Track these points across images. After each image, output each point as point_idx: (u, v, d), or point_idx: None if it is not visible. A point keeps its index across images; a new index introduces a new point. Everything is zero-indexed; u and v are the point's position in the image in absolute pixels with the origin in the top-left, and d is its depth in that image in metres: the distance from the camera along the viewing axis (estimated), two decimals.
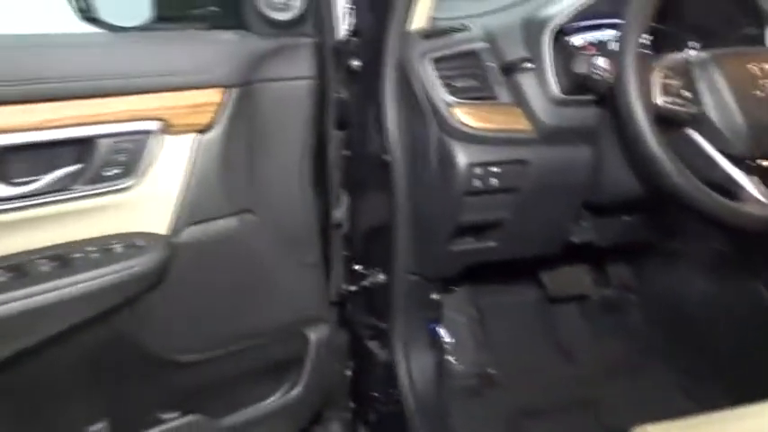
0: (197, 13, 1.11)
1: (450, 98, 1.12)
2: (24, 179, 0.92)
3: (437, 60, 1.13)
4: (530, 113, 1.15)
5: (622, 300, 1.70)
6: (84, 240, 0.98)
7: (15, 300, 0.89)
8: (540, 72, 1.14)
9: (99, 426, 1.11)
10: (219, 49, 1.03)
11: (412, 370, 1.32)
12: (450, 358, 1.47)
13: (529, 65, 1.14)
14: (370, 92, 1.17)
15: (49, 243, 0.96)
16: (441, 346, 1.43)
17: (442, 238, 1.20)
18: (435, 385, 1.36)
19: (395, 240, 1.22)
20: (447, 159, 1.12)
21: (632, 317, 1.69)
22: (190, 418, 1.18)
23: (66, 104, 0.92)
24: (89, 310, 0.96)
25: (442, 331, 1.44)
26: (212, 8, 1.11)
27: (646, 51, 1.02)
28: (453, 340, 1.49)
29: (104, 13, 1.06)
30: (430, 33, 1.15)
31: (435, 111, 1.12)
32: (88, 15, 1.06)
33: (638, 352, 1.62)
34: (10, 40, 0.94)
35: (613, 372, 1.58)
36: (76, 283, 0.93)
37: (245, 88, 1.04)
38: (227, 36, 1.06)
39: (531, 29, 1.16)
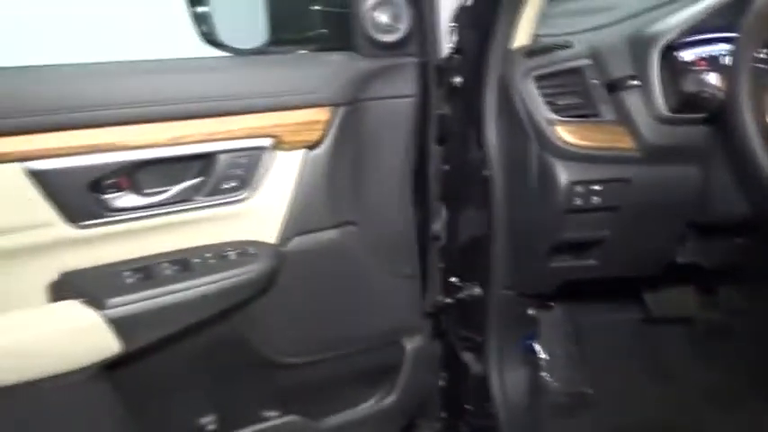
0: (308, 36, 1.18)
1: (552, 116, 1.12)
2: (153, 190, 1.01)
3: (539, 78, 1.13)
4: (634, 131, 1.13)
5: (730, 324, 1.62)
6: (202, 247, 1.06)
7: (142, 300, 0.97)
8: (646, 89, 1.12)
9: (208, 418, 1.19)
10: (328, 70, 1.09)
11: (505, 384, 1.33)
12: (545, 375, 1.46)
13: (635, 82, 1.12)
14: (471, 108, 1.20)
15: (171, 248, 1.04)
16: (535, 362, 1.43)
17: (540, 255, 1.20)
18: (529, 401, 1.35)
19: (492, 255, 1.23)
20: (548, 177, 1.12)
21: (739, 343, 1.60)
22: (289, 417, 1.23)
23: (191, 123, 1.00)
24: (205, 311, 1.04)
25: (538, 347, 1.44)
26: (322, 31, 1.17)
27: (762, 67, 0.98)
28: (548, 357, 1.47)
29: (224, 37, 1.14)
30: (533, 51, 1.16)
31: (536, 128, 1.12)
32: (210, 38, 1.15)
33: (742, 380, 1.54)
34: (144, 66, 1.04)
35: (714, 399, 1.51)
36: (195, 286, 1.01)
37: (352, 107, 1.09)
38: (336, 57, 1.12)
39: (639, 45, 1.13)
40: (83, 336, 0.95)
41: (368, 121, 1.12)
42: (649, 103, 1.12)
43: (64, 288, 0.98)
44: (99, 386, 1.00)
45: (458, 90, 1.21)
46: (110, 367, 0.99)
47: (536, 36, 1.19)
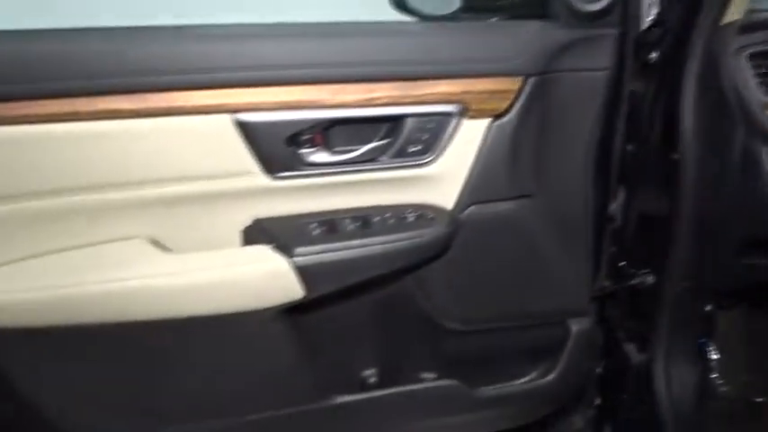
0: (501, 4, 1.16)
1: (767, 98, 1.02)
2: (344, 148, 1.06)
3: (754, 56, 1.04)
4: None
5: None
6: (383, 207, 1.09)
7: (326, 251, 1.03)
8: None
9: (370, 371, 1.24)
10: (522, 38, 1.07)
11: (671, 381, 1.26)
12: (716, 377, 1.36)
13: None
14: (667, 86, 1.12)
15: (355, 205, 1.09)
16: (707, 363, 1.34)
17: (731, 249, 1.12)
18: (695, 402, 1.28)
19: (674, 244, 1.16)
20: (754, 165, 1.03)
21: None
22: (446, 381, 1.25)
23: (384, 85, 1.03)
24: (381, 268, 1.07)
25: (711, 347, 1.34)
26: None
27: None
28: (721, 358, 1.38)
29: (414, 2, 1.15)
30: (747, 26, 1.07)
31: (746, 111, 1.04)
32: (401, 4, 1.16)
33: None
34: (340, 28, 1.07)
35: None
36: (374, 243, 1.05)
37: (543, 77, 1.07)
38: (531, 26, 1.08)
39: None
40: (270, 279, 1.02)
41: (557, 93, 1.09)
42: None
43: (256, 233, 1.05)
44: (279, 327, 1.07)
45: (653, 66, 1.14)
46: (288, 311, 1.06)
47: (750, 11, 1.09)
